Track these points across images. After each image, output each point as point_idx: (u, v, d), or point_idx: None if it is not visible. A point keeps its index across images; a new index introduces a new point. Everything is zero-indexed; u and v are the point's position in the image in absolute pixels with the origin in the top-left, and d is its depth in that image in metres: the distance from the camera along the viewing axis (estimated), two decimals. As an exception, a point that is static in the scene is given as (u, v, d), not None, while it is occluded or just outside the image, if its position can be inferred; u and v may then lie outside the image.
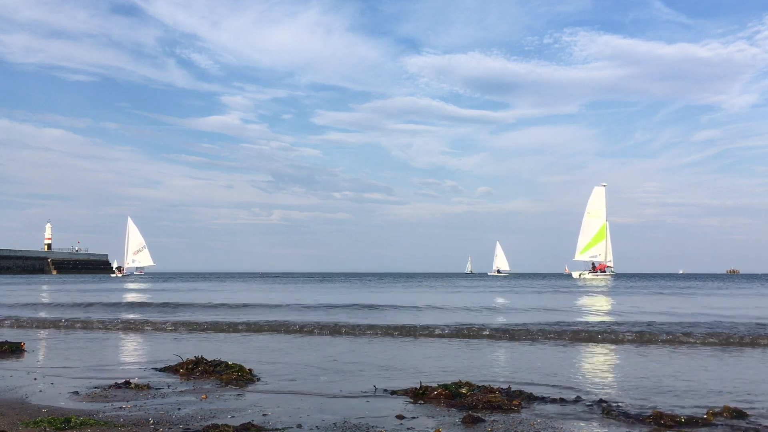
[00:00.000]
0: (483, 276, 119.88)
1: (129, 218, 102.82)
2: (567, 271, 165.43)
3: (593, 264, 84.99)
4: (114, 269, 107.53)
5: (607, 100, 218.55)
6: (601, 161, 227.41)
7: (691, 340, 12.23)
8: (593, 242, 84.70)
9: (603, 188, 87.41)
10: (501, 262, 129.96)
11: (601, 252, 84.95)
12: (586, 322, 16.07)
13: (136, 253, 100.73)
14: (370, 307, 22.20)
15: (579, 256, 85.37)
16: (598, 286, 50.61)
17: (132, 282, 65.64)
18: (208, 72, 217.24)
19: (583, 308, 23.18)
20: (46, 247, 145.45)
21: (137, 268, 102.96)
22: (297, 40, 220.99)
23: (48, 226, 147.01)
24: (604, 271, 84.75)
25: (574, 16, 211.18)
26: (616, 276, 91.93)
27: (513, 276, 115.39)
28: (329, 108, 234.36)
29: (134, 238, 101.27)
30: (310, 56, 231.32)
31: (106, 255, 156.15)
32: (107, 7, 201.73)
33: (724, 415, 5.62)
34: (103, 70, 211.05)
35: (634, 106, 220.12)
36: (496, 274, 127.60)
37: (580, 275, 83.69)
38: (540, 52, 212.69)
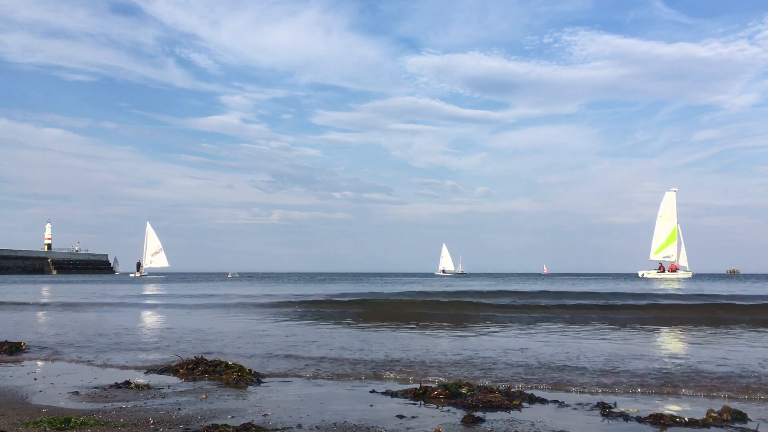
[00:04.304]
0: (432, 275, 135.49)
1: (148, 223, 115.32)
2: (545, 270, 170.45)
3: (660, 264, 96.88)
4: (135, 267, 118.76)
5: (607, 100, 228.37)
6: (601, 161, 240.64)
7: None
8: (666, 244, 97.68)
9: (674, 193, 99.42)
10: (446, 263, 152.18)
11: (673, 253, 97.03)
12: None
13: (153, 255, 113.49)
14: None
15: (653, 257, 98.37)
16: (662, 290, 49.36)
17: (151, 284, 67.42)
18: (208, 72, 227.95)
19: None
20: (46, 247, 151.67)
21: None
22: (296, 40, 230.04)
23: (48, 226, 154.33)
24: (675, 272, 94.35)
25: (574, 15, 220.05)
26: (695, 277, 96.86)
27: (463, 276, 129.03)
28: (329, 108, 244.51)
29: (152, 241, 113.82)
30: (310, 56, 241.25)
31: (106, 255, 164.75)
32: (106, 7, 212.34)
33: (725, 416, 6.10)
34: (102, 69, 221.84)
35: (634, 106, 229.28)
36: (441, 274, 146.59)
37: (643, 275, 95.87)
38: (540, 52, 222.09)
